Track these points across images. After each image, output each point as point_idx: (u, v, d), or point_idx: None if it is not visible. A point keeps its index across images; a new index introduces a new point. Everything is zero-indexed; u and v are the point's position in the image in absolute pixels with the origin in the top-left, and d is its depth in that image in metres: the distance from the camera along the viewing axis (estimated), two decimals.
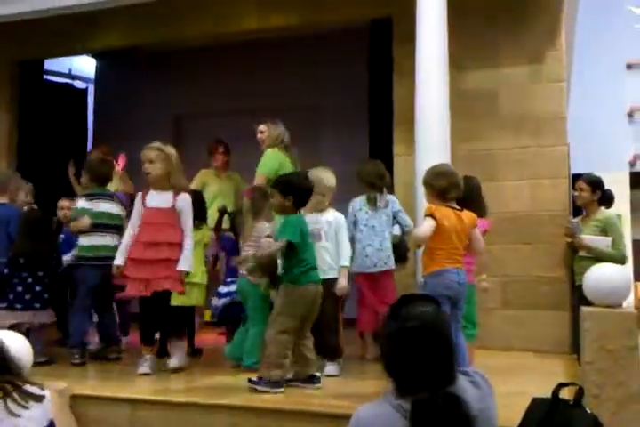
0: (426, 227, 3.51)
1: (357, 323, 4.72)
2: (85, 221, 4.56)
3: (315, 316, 3.81)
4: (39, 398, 2.20)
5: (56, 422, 2.20)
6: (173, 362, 4.26)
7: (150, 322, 4.31)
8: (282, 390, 3.59)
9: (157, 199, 4.22)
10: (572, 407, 2.62)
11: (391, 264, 4.55)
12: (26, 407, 2.14)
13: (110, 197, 4.76)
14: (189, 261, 4.18)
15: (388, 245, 4.56)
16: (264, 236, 4.23)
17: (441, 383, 1.73)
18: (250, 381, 3.65)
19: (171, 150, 4.27)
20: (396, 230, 4.66)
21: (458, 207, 3.65)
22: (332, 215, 4.37)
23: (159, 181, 4.23)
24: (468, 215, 3.65)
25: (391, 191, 4.85)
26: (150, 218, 4.20)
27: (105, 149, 6.07)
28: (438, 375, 1.74)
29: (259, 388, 3.58)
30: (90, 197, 4.68)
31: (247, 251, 4.32)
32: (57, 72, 8.08)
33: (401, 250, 4.72)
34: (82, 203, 4.65)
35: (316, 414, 3.15)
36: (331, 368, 4.13)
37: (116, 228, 4.63)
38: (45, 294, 4.58)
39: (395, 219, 4.64)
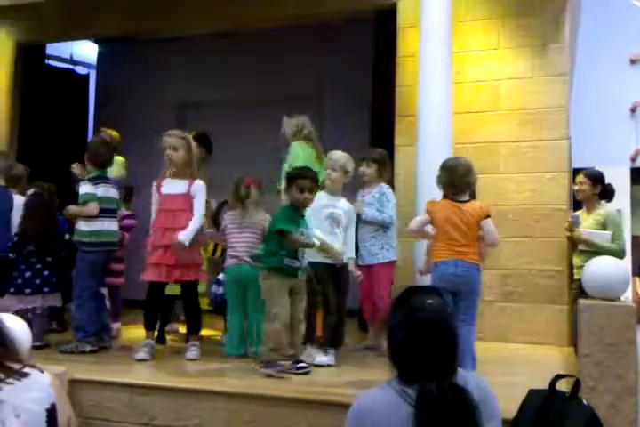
0: (414, 220, 3.78)
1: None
2: (94, 207, 4.46)
3: (301, 300, 3.88)
4: (24, 375, 2.20)
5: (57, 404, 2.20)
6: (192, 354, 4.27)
7: (156, 308, 4.38)
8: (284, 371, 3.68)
9: (173, 186, 4.28)
10: (568, 399, 2.65)
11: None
12: (17, 380, 2.14)
13: (109, 180, 4.68)
14: (189, 233, 4.14)
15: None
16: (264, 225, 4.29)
17: (445, 374, 1.75)
18: (260, 367, 3.72)
19: (191, 139, 4.35)
20: None
21: (462, 199, 3.66)
22: (345, 203, 4.40)
23: (179, 168, 4.30)
24: (471, 206, 3.64)
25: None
26: (167, 204, 4.26)
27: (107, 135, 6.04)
28: (442, 366, 1.77)
29: (269, 371, 3.65)
30: (93, 181, 4.56)
31: (249, 238, 4.35)
32: (58, 57, 8.04)
33: None
34: (87, 187, 4.51)
35: (315, 402, 3.16)
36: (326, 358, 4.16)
37: (115, 212, 4.62)
38: (54, 278, 4.60)
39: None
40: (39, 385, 2.21)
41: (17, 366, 2.23)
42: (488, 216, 3.63)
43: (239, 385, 3.48)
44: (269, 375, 3.63)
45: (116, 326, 5.11)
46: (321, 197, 4.19)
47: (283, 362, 3.74)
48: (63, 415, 2.23)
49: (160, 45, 7.62)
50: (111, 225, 4.53)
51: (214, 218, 5.08)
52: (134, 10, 6.68)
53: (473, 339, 3.62)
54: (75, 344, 4.38)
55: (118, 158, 5.94)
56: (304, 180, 3.87)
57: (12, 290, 4.50)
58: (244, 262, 4.33)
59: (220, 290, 4.75)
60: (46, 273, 4.57)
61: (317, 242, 3.91)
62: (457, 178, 3.67)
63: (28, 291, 4.50)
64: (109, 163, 4.73)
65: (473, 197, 3.90)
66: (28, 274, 4.53)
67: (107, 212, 4.52)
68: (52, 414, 2.19)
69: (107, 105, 8.16)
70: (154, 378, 3.63)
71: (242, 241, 4.39)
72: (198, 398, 3.34)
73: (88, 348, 4.36)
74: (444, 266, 3.58)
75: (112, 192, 4.61)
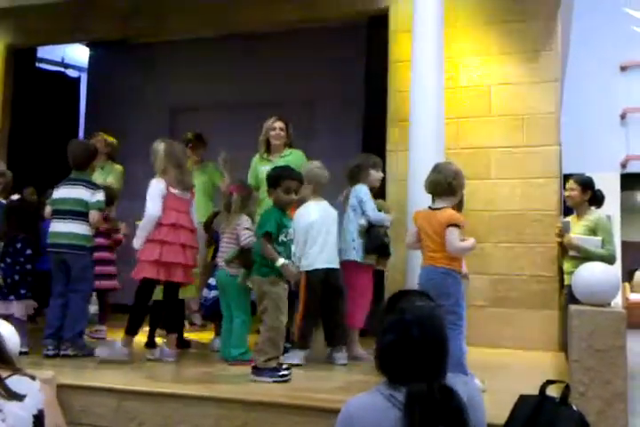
0: (407, 234, 3.92)
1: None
2: (46, 210, 4.57)
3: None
4: (20, 398, 2.15)
5: (45, 411, 2.17)
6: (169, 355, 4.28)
7: (145, 312, 4.40)
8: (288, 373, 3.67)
9: None
10: (558, 405, 2.64)
11: (349, 256, 4.49)
12: (8, 400, 2.10)
13: (82, 182, 4.52)
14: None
15: (349, 237, 4.51)
16: (243, 228, 4.30)
17: (434, 376, 1.75)
18: (253, 374, 3.69)
19: None
20: (361, 221, 4.51)
21: (437, 206, 3.68)
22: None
23: None
24: (441, 214, 3.63)
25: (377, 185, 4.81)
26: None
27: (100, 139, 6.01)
28: (432, 367, 1.77)
29: (265, 379, 3.62)
30: (57, 184, 4.60)
31: (226, 243, 4.37)
32: (50, 60, 8.02)
33: (372, 242, 4.50)
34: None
35: (305, 407, 3.15)
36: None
37: (78, 214, 4.44)
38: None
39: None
40: (27, 391, 2.18)
41: (7, 373, 2.20)
42: (453, 225, 3.57)
43: (228, 390, 3.46)
44: (276, 381, 3.61)
45: (101, 328, 5.07)
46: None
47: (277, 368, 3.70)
48: (51, 422, 2.20)
49: (152, 49, 7.62)
50: (59, 226, 4.44)
51: (207, 225, 5.07)
52: (126, 13, 6.68)
53: (455, 345, 3.54)
54: None
55: (117, 167, 5.93)
56: (291, 181, 3.86)
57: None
58: (221, 268, 4.40)
59: (211, 294, 4.75)
60: (17, 278, 4.52)
61: (281, 261, 3.73)
62: (442, 178, 3.67)
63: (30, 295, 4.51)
64: (84, 165, 4.62)
65: (461, 203, 3.91)
66: (17, 278, 4.50)
67: (58, 213, 4.47)
68: (39, 420, 2.16)
69: (98, 108, 8.13)
70: (142, 383, 3.60)
71: (222, 247, 4.45)
72: (187, 403, 3.32)
73: (50, 352, 4.31)
74: (420, 272, 3.71)
75: (67, 193, 4.48)
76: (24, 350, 4.22)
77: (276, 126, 5.04)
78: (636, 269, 11.51)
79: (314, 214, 4.37)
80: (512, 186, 5.37)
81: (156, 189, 4.30)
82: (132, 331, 4.30)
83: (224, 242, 4.43)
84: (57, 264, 4.44)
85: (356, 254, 4.46)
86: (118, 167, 5.88)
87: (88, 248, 4.50)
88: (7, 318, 4.30)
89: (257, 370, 3.67)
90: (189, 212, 4.43)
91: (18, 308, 4.45)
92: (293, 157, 4.98)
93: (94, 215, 4.46)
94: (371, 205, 4.47)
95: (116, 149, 6.01)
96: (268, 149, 5.08)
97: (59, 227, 4.45)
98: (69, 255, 4.40)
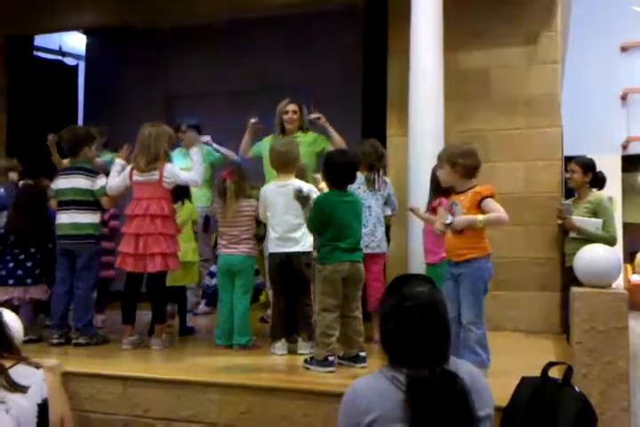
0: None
1: None
2: (52, 204, 4.58)
3: (354, 295, 3.69)
4: (23, 390, 2.15)
5: (49, 400, 2.17)
6: (155, 344, 4.28)
7: (133, 301, 4.35)
8: (331, 369, 3.51)
9: None
10: (561, 386, 2.65)
11: (383, 248, 4.54)
12: (10, 391, 2.10)
13: (79, 170, 4.48)
14: None
15: (382, 228, 4.54)
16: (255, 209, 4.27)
17: (436, 360, 1.77)
18: (305, 361, 3.64)
19: None
20: (387, 211, 4.65)
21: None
22: None
23: None
24: None
25: (385, 172, 4.80)
26: None
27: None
28: (434, 352, 1.79)
29: (311, 368, 3.56)
30: (55, 175, 4.60)
31: (235, 228, 4.32)
32: (47, 48, 7.97)
33: (387, 232, 4.75)
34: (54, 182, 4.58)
35: (310, 392, 3.17)
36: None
37: (80, 203, 4.43)
38: (37, 270, 4.55)
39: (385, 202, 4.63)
40: (31, 380, 2.18)
41: (11, 362, 2.20)
42: None
43: (233, 376, 3.47)
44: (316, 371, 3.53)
45: (99, 318, 5.08)
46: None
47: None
48: (56, 411, 2.20)
49: (150, 36, 7.56)
50: (63, 218, 4.43)
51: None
52: (125, 1, 6.62)
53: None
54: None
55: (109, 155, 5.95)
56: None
57: None
58: (235, 253, 4.30)
59: (213, 282, 4.75)
60: (29, 264, 4.53)
61: None
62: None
63: (11, 282, 4.49)
64: (73, 152, 4.57)
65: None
66: (11, 265, 4.52)
67: (62, 204, 4.47)
68: (43, 409, 2.16)
69: (96, 96, 8.10)
70: (147, 370, 3.62)
71: (229, 233, 4.34)
72: (192, 389, 3.33)
73: (54, 340, 4.34)
74: None
75: (65, 183, 4.46)
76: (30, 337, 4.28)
77: (288, 110, 4.91)
78: (637, 251, 11.52)
79: (266, 197, 4.17)
80: (513, 169, 5.36)
81: (124, 168, 4.33)
82: (126, 320, 4.30)
83: (232, 228, 4.31)
84: (62, 253, 4.44)
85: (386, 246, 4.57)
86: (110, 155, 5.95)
87: (96, 236, 4.49)
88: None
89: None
90: (154, 196, 4.21)
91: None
92: (304, 138, 4.89)
93: (104, 201, 4.47)
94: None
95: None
96: (283, 132, 4.96)
97: (63, 218, 4.45)
98: (77, 245, 4.39)
